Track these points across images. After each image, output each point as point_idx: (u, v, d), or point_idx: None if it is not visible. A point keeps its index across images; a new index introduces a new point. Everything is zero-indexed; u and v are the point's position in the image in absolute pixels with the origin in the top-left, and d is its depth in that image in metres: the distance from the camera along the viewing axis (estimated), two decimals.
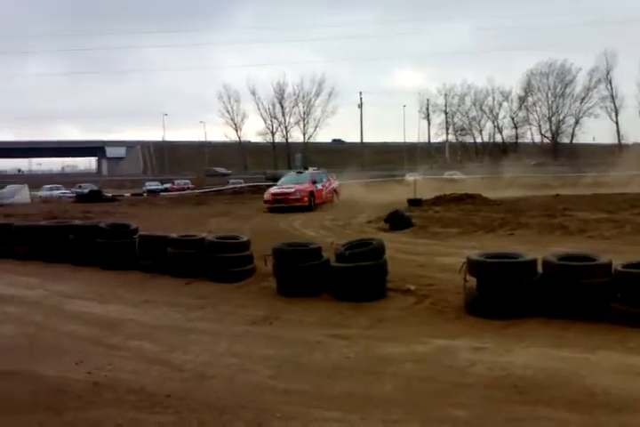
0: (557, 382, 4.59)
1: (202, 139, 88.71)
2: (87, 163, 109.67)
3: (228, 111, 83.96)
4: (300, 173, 26.10)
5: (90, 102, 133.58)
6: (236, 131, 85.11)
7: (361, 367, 5.10)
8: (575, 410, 4.09)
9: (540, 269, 6.44)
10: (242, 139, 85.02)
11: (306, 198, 22.79)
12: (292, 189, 22.96)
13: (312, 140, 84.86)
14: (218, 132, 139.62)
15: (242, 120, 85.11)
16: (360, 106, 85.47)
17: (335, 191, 26.91)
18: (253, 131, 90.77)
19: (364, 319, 6.53)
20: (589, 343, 5.44)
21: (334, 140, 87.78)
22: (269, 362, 5.27)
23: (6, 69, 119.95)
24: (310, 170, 27.65)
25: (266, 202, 23.17)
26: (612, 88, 78.74)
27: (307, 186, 23.62)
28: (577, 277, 6.14)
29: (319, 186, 24.75)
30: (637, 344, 5.41)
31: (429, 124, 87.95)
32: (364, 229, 15.34)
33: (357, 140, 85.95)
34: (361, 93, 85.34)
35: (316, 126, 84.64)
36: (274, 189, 23.79)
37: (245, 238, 9.13)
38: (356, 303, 7.02)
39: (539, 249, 8.07)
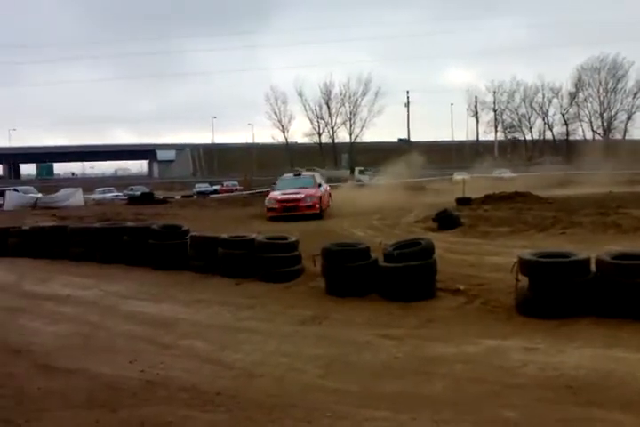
0: (611, 382, 4.50)
1: (250, 141, 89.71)
2: (139, 166, 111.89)
3: (275, 113, 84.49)
4: (299, 175, 23.08)
5: (141, 106, 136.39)
6: (283, 132, 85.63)
7: (410, 367, 5.09)
8: (630, 411, 4.01)
9: (593, 268, 6.32)
10: (289, 140, 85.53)
11: (317, 205, 19.83)
12: (302, 195, 19.81)
13: (359, 140, 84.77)
14: (265, 134, 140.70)
15: (289, 122, 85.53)
16: (407, 105, 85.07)
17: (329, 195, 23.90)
18: (300, 132, 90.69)
19: (414, 319, 6.51)
20: (638, 343, 5.31)
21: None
22: (319, 361, 5.30)
23: (61, 75, 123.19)
24: (315, 171, 26.70)
25: (270, 210, 19.86)
26: None
27: (314, 191, 20.57)
28: (632, 276, 5.98)
29: (322, 190, 21.82)
30: None
31: (478, 121, 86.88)
32: (413, 228, 15.25)
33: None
34: (408, 92, 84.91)
35: (363, 126, 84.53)
36: (277, 195, 20.40)
37: (294, 239, 9.18)
38: (404, 303, 6.99)
39: (591, 248, 7.89)
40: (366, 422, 4.03)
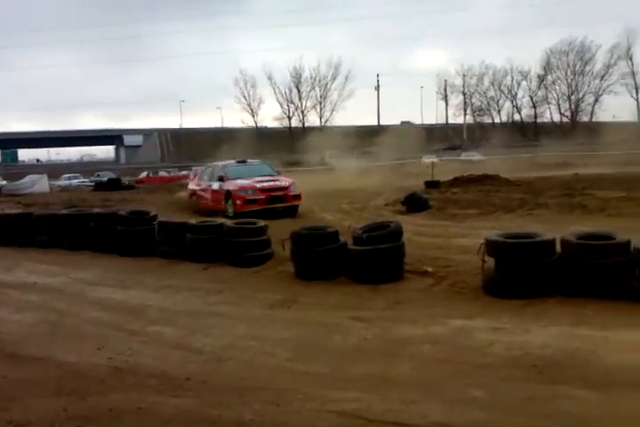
0: (576, 360, 4.59)
1: (219, 125, 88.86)
2: (105, 151, 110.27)
3: (244, 97, 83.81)
4: (244, 161, 17.78)
5: (107, 91, 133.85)
6: (253, 116, 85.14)
7: (379, 349, 5.13)
8: (594, 389, 4.09)
9: (558, 248, 6.41)
10: (258, 124, 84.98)
11: (300, 196, 16.12)
12: (286, 182, 16.04)
13: (329, 123, 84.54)
14: (235, 118, 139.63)
15: (258, 105, 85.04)
16: (377, 88, 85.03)
17: None
18: (270, 116, 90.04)
19: (382, 302, 6.55)
20: (608, 322, 5.42)
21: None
22: (288, 345, 5.31)
23: (28, 60, 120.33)
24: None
25: (250, 202, 15.23)
26: (632, 64, 77.48)
27: (285, 179, 16.70)
28: (596, 255, 6.09)
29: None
30: None
31: (447, 105, 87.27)
32: (382, 211, 15.33)
33: (374, 122, 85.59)
34: (378, 76, 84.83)
35: (333, 110, 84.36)
36: (248, 183, 15.70)
37: (263, 223, 9.15)
38: (373, 286, 7.03)
39: (557, 229, 7.99)
40: (335, 403, 4.05)
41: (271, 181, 16.02)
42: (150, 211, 11.07)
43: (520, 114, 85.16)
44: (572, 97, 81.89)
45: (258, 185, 15.60)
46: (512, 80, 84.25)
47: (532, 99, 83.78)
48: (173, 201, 19.95)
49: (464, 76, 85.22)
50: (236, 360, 5.00)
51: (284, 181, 16.21)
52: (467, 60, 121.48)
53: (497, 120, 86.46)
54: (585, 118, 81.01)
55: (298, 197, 15.88)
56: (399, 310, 6.26)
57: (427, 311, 6.09)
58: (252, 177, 16.14)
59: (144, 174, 47.87)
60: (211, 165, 18.57)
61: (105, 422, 3.99)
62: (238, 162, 17.63)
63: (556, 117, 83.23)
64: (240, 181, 15.87)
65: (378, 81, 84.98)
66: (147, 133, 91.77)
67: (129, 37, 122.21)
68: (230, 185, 15.75)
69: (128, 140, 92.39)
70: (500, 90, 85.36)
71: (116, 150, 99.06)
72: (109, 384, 4.62)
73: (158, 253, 9.69)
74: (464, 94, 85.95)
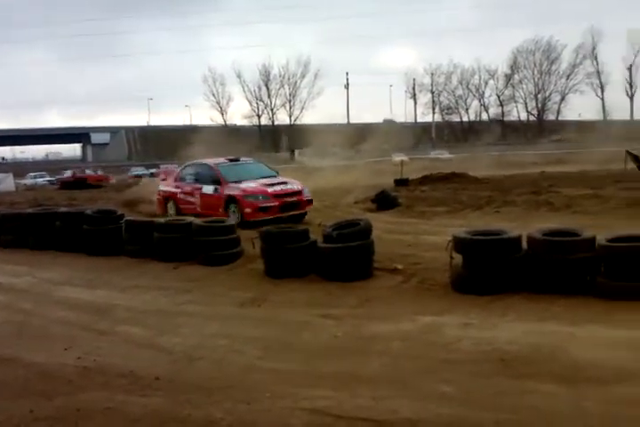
0: (543, 355, 4.65)
1: (187, 123, 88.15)
2: (71, 150, 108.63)
3: (213, 94, 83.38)
4: (236, 160, 15.00)
5: (74, 89, 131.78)
6: (222, 114, 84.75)
7: (349, 346, 5.14)
8: (561, 383, 4.15)
9: (525, 245, 6.49)
10: (227, 122, 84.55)
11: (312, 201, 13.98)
12: (298, 186, 13.64)
13: (298, 121, 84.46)
14: (204, 115, 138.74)
15: (227, 103, 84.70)
16: (347, 86, 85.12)
17: None
18: (239, 114, 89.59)
19: (352, 299, 6.57)
20: (574, 317, 5.50)
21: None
22: (258, 343, 5.30)
23: None
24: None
25: (261, 210, 12.58)
26: (597, 64, 78.79)
27: (294, 181, 14.18)
28: (561, 252, 6.19)
29: None
30: (622, 317, 5.48)
31: (416, 103, 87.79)
32: (352, 209, 15.36)
33: (343, 121, 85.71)
34: (347, 74, 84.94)
35: (302, 108, 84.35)
36: (257, 187, 13.20)
37: (232, 222, 9.12)
38: (343, 283, 7.06)
39: (524, 226, 8.12)
40: (306, 400, 4.06)
41: (280, 184, 13.39)
42: (117, 210, 10.95)
43: (487, 112, 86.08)
44: (539, 96, 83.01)
45: (269, 190, 12.97)
46: (480, 79, 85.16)
47: (499, 97, 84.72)
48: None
49: (432, 74, 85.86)
50: (206, 359, 4.98)
51: (294, 183, 13.65)
52: (435, 59, 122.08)
53: (465, 119, 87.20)
54: (551, 117, 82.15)
55: (311, 202, 13.68)
56: (369, 307, 6.29)
57: (396, 308, 6.13)
58: (253, 179, 13.56)
59: (68, 173, 42.81)
60: (195, 163, 15.25)
61: (73, 423, 3.94)
62: (231, 160, 14.74)
63: (523, 116, 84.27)
64: (245, 185, 13.14)
65: (347, 79, 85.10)
66: (114, 131, 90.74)
67: (97, 35, 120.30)
68: (233, 189, 13.03)
69: (95, 138, 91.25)
70: (468, 88, 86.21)
71: (83, 148, 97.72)
72: (77, 384, 4.57)
73: (126, 252, 9.59)
74: (432, 93, 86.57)
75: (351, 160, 37.13)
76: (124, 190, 27.77)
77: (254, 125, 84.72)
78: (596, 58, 78.38)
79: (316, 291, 6.93)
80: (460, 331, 5.27)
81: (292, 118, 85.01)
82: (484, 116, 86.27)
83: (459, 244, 6.61)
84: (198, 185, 13.96)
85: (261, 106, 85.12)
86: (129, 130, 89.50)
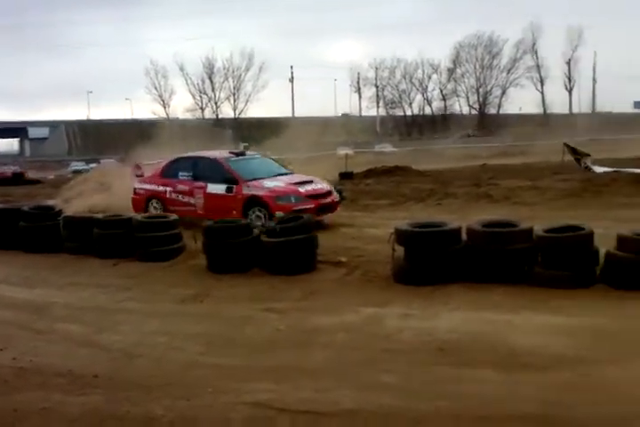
0: (482, 343, 4.76)
1: (128, 117, 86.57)
2: (9, 145, 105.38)
3: (155, 88, 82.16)
4: (242, 154, 13.04)
5: (11, 82, 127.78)
6: (164, 107, 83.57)
7: (293, 339, 5.15)
8: (498, 370, 4.25)
9: (465, 236, 6.61)
10: (170, 115, 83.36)
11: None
12: (325, 185, 11.93)
13: (243, 115, 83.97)
14: (145, 109, 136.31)
15: (170, 96, 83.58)
16: (292, 80, 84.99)
17: None
18: (182, 107, 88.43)
19: (297, 292, 6.58)
20: (512, 305, 5.65)
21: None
22: (199, 339, 5.25)
23: None
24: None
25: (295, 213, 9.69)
26: (537, 59, 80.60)
27: (319, 180, 12.27)
28: (500, 243, 6.35)
29: None
30: (558, 304, 5.66)
31: (360, 97, 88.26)
32: None
33: (289, 115, 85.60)
34: (292, 68, 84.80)
35: (247, 101, 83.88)
36: (285, 187, 11.31)
37: (174, 217, 9.00)
38: (287, 277, 7.06)
39: (465, 217, 8.28)
40: (247, 394, 4.04)
41: (308, 183, 11.61)
42: (55, 205, 10.67)
43: (431, 106, 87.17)
44: (480, 90, 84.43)
45: (301, 189, 11.25)
46: (423, 73, 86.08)
47: (441, 91, 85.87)
48: None
49: (376, 68, 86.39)
50: (146, 357, 4.91)
51: (321, 182, 11.98)
52: (379, 53, 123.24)
53: (408, 113, 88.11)
54: (493, 110, 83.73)
55: (339, 202, 11.96)
56: (313, 300, 6.31)
57: (340, 301, 6.16)
58: (271, 177, 11.73)
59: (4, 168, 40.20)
60: (190, 157, 12.92)
61: (9, 424, 3.85)
62: (236, 154, 12.67)
63: (465, 110, 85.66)
64: (270, 184, 11.35)
65: (292, 73, 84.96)
66: (53, 126, 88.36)
67: (34, 26, 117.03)
68: (256, 189, 11.15)
69: (33, 132, 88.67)
70: (412, 83, 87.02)
71: (21, 143, 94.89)
72: (13, 385, 4.45)
73: (65, 249, 9.35)
74: (377, 87, 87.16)
75: (304, 154, 37.14)
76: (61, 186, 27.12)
77: (201, 119, 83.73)
78: (536, 53, 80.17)
79: (259, 285, 6.90)
80: (401, 322, 5.33)
81: (237, 112, 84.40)
82: (428, 111, 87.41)
83: (400, 236, 6.68)
84: (200, 183, 11.69)
85: (205, 99, 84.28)
86: (69, 124, 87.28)
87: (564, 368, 4.25)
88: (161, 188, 12.21)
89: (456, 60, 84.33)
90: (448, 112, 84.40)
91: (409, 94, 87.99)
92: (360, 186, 18.28)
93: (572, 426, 3.56)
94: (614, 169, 16.93)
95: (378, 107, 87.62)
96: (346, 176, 21.44)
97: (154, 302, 6.58)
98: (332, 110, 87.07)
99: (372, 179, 20.46)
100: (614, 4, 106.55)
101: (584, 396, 3.81)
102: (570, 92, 77.95)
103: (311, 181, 11.63)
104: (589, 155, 19.02)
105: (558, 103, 76.95)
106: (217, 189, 11.47)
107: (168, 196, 12.03)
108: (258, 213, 10.81)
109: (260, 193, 11.04)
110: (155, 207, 12.11)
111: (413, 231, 6.63)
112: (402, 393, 3.96)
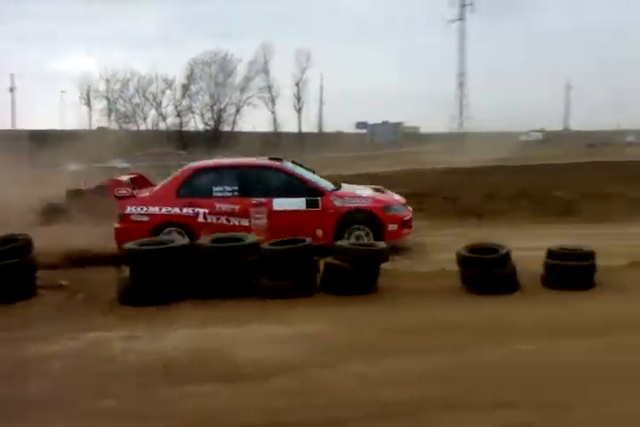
0: (207, 358, 4.86)
1: None
2: None
3: None
4: (280, 159, 10.50)
5: None
6: None
7: (7, 372, 4.76)
8: (222, 383, 4.38)
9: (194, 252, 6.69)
10: None
11: None
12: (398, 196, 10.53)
13: None
14: None
15: None
16: (12, 90, 78.51)
17: None
18: None
19: (13, 320, 6.09)
20: (239, 319, 5.85)
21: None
22: None
23: None
24: None
25: (404, 225, 9.65)
26: (269, 79, 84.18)
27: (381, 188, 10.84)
28: (227, 257, 6.55)
29: None
30: (282, 314, 6.03)
31: (91, 110, 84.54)
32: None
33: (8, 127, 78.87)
34: (13, 76, 78.42)
35: None
36: (380, 196, 10.05)
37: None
38: (1, 305, 6.49)
39: None
40: None
41: (382, 191, 10.40)
42: None
43: (165, 122, 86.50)
44: (215, 107, 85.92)
45: (396, 197, 10.19)
46: (157, 88, 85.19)
47: (176, 107, 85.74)
48: None
49: (108, 81, 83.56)
50: None
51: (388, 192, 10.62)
52: (112, 64, 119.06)
53: (142, 127, 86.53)
54: (227, 128, 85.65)
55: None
56: (30, 328, 5.88)
57: (61, 327, 5.83)
58: (337, 187, 10.02)
59: None
60: (228, 165, 10.30)
61: None
62: (278, 160, 10.34)
63: (201, 127, 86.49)
64: (363, 192, 9.99)
65: (12, 82, 78.58)
66: None
67: None
68: (354, 200, 9.56)
69: None
70: (145, 97, 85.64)
71: None
72: None
73: None
74: (108, 100, 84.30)
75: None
76: None
77: None
78: (267, 73, 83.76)
79: None
80: (125, 344, 5.22)
81: None
82: (163, 126, 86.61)
83: (127, 255, 6.54)
84: (258, 199, 9.41)
85: None
86: None
87: (285, 375, 4.50)
88: (185, 210, 9.35)
89: (190, 77, 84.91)
90: (184, 128, 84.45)
91: (142, 109, 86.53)
92: (90, 203, 17.46)
93: None
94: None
95: (109, 120, 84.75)
96: (74, 193, 20.35)
97: None
98: (57, 123, 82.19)
99: (101, 195, 19.65)
100: (340, 30, 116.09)
101: (303, 401, 4.08)
102: (299, 112, 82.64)
103: (382, 191, 10.40)
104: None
105: (290, 122, 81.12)
106: (291, 204, 9.41)
107: (201, 220, 9.35)
108: (358, 231, 9.24)
109: (363, 204, 9.47)
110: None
111: (140, 250, 6.52)
112: (122, 417, 3.89)
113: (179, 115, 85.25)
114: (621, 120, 71.84)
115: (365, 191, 10.02)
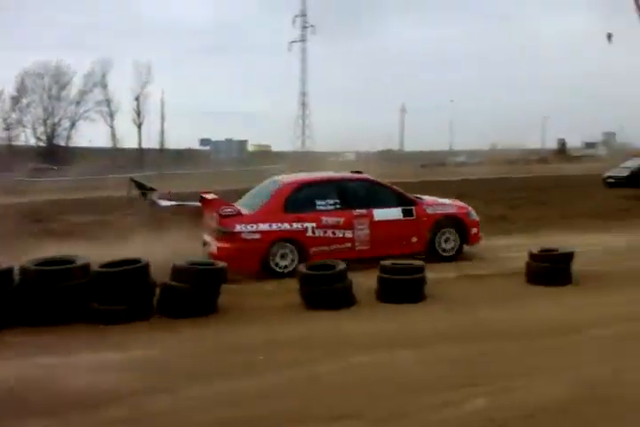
0: (30, 390, 4.55)
1: None
2: None
3: None
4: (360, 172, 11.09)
5: None
6: None
7: None
8: (47, 417, 4.12)
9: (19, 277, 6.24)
10: None
11: None
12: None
13: None
14: None
15: None
16: None
17: None
18: None
19: None
20: (69, 347, 5.54)
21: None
22: None
23: None
24: None
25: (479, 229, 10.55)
26: (107, 93, 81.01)
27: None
28: (54, 281, 6.17)
29: None
30: (116, 340, 5.77)
31: None
32: None
33: None
34: None
35: None
36: (449, 201, 10.77)
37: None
38: None
39: (20, 258, 7.75)
40: None
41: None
42: None
43: None
44: (48, 121, 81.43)
45: (460, 203, 10.72)
46: None
47: (5, 121, 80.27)
48: None
49: None
50: None
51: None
52: None
53: None
54: (62, 143, 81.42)
55: None
56: None
57: None
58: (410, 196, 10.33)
59: None
60: (327, 179, 10.19)
61: None
62: (359, 173, 10.73)
63: (33, 141, 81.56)
64: (443, 200, 10.62)
65: None
66: None
67: None
68: (440, 207, 10.18)
69: None
70: None
71: None
72: None
73: None
74: None
75: None
76: None
77: None
78: (106, 86, 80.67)
79: None
80: None
81: None
82: None
83: None
84: (360, 211, 9.54)
85: None
86: None
87: (116, 404, 4.30)
88: (295, 225, 9.15)
89: (21, 89, 79.99)
90: (13, 142, 79.26)
91: None
92: None
93: None
94: (179, 203, 17.93)
95: None
96: None
97: None
98: None
99: None
100: (185, 46, 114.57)
101: None
102: (139, 127, 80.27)
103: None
104: (155, 189, 19.40)
105: (130, 138, 78.62)
106: (389, 214, 9.73)
107: (310, 234, 9.19)
108: (448, 235, 9.87)
109: (449, 211, 10.13)
110: (282, 255, 8.97)
111: None
112: None
113: (8, 128, 79.94)
114: (453, 141, 77.56)
115: (442, 199, 10.64)
